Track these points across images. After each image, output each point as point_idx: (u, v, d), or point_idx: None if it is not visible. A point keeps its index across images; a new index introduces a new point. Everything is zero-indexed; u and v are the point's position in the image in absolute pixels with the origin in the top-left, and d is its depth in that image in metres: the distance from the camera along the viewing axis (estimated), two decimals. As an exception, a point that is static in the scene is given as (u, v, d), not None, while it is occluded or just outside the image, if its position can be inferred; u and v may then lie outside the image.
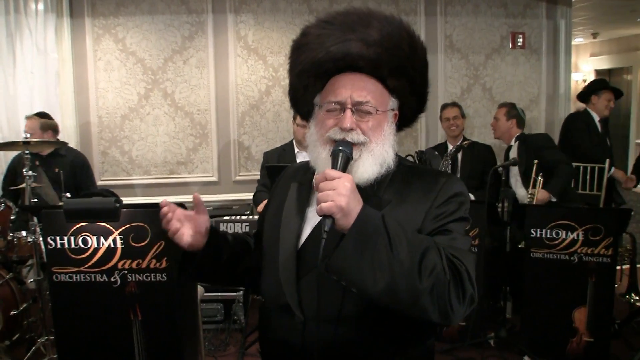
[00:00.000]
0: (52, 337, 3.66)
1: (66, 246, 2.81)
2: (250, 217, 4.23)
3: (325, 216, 1.27)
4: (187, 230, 1.52)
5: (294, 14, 5.28)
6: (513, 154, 4.54)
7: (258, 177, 4.88)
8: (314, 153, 1.55)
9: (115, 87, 5.25)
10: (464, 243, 1.44)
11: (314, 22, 1.58)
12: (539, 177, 4.20)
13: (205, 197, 5.04)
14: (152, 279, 2.82)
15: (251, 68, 5.31)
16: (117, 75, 5.24)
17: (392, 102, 1.55)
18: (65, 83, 5.21)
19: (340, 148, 1.41)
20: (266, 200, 3.89)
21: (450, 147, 4.85)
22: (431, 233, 1.42)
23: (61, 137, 4.85)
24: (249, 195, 4.97)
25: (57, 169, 4.40)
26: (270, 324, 1.59)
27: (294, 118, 4.41)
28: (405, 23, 1.54)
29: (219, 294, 4.17)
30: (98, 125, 5.28)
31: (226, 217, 4.15)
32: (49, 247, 2.82)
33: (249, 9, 5.26)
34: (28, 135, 3.84)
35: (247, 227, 4.00)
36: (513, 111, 4.67)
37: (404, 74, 1.52)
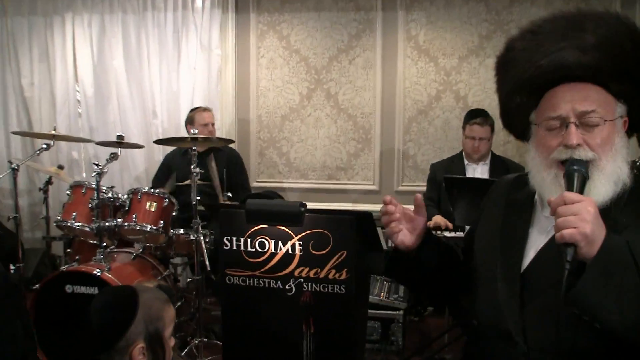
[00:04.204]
0: (206, 339, 3.82)
1: (242, 248, 2.89)
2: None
3: (566, 244, 1.24)
4: (403, 228, 1.59)
5: (470, 13, 5.16)
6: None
7: (421, 188, 4.82)
8: (537, 177, 1.53)
9: (276, 85, 5.42)
10: None
11: (517, 34, 1.55)
12: None
13: (364, 207, 5.12)
14: (330, 290, 2.83)
15: (421, 70, 5.26)
16: (280, 73, 5.41)
17: (620, 109, 1.48)
18: (226, 80, 5.47)
19: (575, 167, 1.37)
20: (438, 216, 3.84)
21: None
22: None
23: (219, 135, 5.12)
24: (412, 207, 4.91)
25: (215, 164, 4.62)
26: (484, 351, 1.58)
27: (463, 129, 4.34)
28: (624, 17, 1.46)
29: (378, 311, 4.16)
30: (257, 125, 5.48)
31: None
32: (225, 247, 2.92)
33: (421, 6, 5.21)
34: (197, 130, 4.05)
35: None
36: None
37: (630, 76, 1.45)
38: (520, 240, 1.55)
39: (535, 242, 1.53)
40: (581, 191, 1.35)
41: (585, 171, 1.38)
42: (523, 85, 1.52)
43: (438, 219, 4.02)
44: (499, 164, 4.31)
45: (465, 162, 4.39)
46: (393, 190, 5.34)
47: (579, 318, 1.32)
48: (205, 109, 4.84)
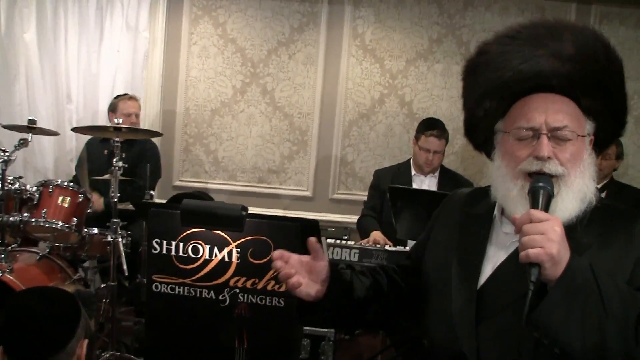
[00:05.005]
0: (118, 353, 3.66)
1: (173, 253, 2.78)
2: (355, 243, 4.11)
3: (530, 264, 1.25)
4: (303, 280, 1.51)
5: (422, 15, 5.16)
6: None
7: (358, 197, 4.79)
8: (501, 189, 1.54)
9: (208, 76, 5.28)
10: None
11: (491, 38, 1.59)
12: None
13: (296, 214, 4.98)
14: (268, 303, 2.76)
15: (365, 71, 5.22)
16: (212, 63, 5.27)
17: (589, 126, 1.54)
18: (153, 66, 5.29)
19: (541, 184, 1.39)
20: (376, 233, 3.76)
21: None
22: None
23: (142, 126, 4.91)
24: (346, 218, 4.94)
25: (125, 155, 4.43)
26: None
27: (417, 138, 4.29)
28: (599, 32, 1.54)
29: (307, 327, 4.08)
30: (184, 118, 5.32)
31: (330, 240, 4.05)
32: (153, 251, 2.80)
33: (370, 2, 5.17)
34: (120, 119, 3.86)
35: (357, 256, 3.89)
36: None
37: (601, 91, 1.50)
38: (478, 256, 1.56)
39: (493, 258, 1.54)
40: (546, 209, 1.36)
41: (551, 189, 1.39)
42: (497, 89, 1.54)
43: (376, 236, 3.92)
44: (448, 178, 4.29)
45: (413, 172, 4.34)
46: (327, 198, 5.29)
47: (536, 342, 1.34)
48: (132, 98, 4.68)
